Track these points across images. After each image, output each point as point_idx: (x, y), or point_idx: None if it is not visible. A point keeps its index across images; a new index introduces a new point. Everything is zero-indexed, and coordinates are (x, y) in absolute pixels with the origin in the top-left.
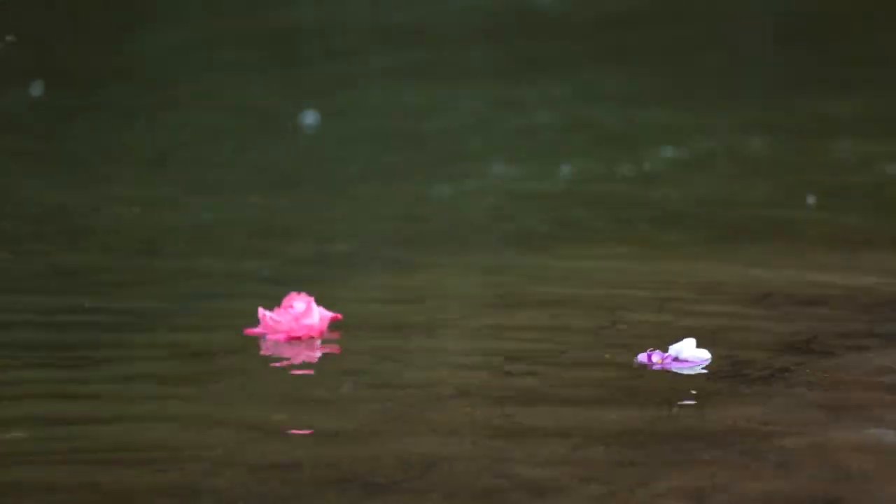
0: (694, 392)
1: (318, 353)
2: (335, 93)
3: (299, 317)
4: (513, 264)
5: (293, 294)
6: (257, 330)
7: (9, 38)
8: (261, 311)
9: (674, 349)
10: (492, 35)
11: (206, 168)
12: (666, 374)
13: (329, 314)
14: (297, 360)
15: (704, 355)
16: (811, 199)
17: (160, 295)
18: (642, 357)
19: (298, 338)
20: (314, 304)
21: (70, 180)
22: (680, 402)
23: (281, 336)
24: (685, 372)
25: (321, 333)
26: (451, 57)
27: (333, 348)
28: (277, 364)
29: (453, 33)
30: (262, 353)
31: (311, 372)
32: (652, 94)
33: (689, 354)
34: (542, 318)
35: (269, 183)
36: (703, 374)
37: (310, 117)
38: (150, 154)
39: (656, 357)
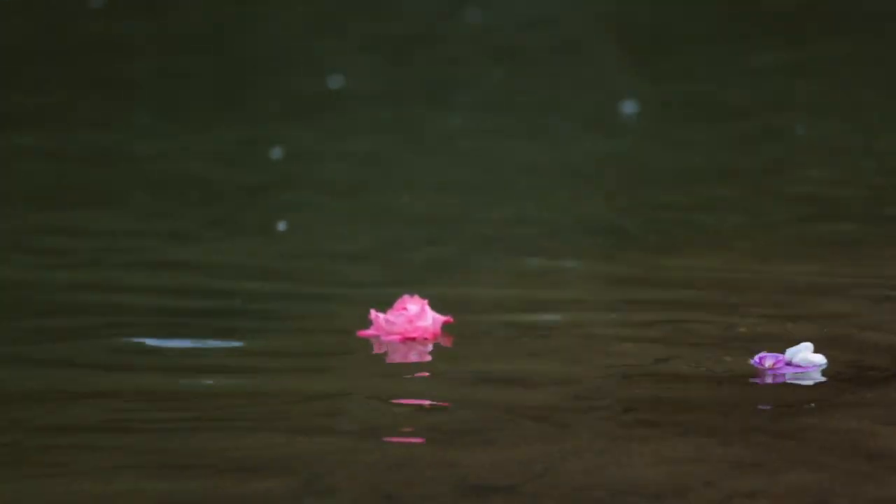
0: (815, 394)
1: (433, 355)
2: None
3: (413, 319)
4: (631, 265)
5: (406, 296)
6: (370, 332)
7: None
8: (373, 312)
9: (790, 353)
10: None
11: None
12: (785, 376)
13: (441, 317)
14: (412, 362)
15: (820, 360)
16: None
17: (268, 294)
18: (756, 360)
19: (412, 340)
20: (427, 307)
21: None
22: (801, 405)
23: (395, 338)
24: (803, 375)
25: (434, 336)
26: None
27: (447, 350)
28: (391, 366)
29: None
30: (375, 354)
31: (426, 374)
32: None
33: (804, 359)
34: (660, 319)
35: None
36: (824, 376)
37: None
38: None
39: (769, 361)
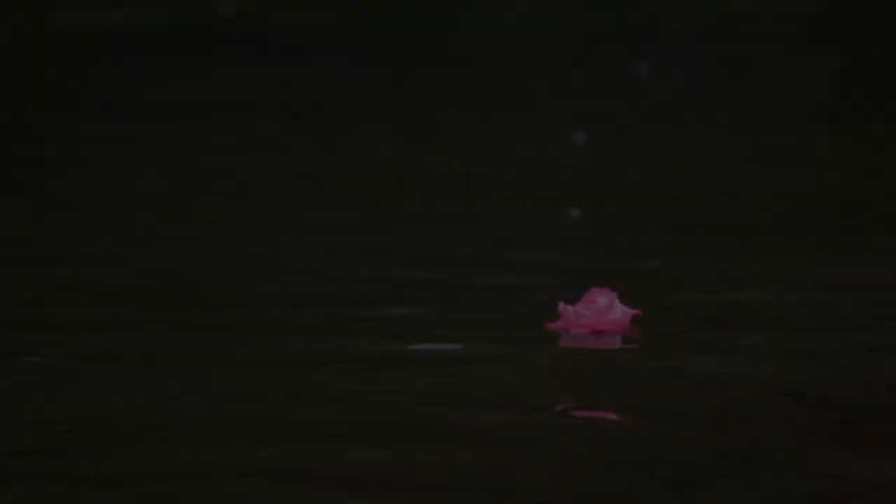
0: None
1: (624, 349)
2: None
3: (603, 312)
4: (837, 251)
5: (595, 289)
6: (559, 324)
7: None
8: (562, 305)
9: None
10: None
11: None
12: None
13: (630, 311)
14: (602, 356)
15: None
16: None
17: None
18: None
19: (601, 332)
20: (617, 300)
21: None
22: None
23: (583, 331)
24: None
25: (623, 329)
26: None
27: (637, 345)
28: (581, 358)
29: None
30: (564, 346)
31: (618, 368)
32: None
33: None
34: (865, 307)
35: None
36: None
37: None
38: None
39: None
